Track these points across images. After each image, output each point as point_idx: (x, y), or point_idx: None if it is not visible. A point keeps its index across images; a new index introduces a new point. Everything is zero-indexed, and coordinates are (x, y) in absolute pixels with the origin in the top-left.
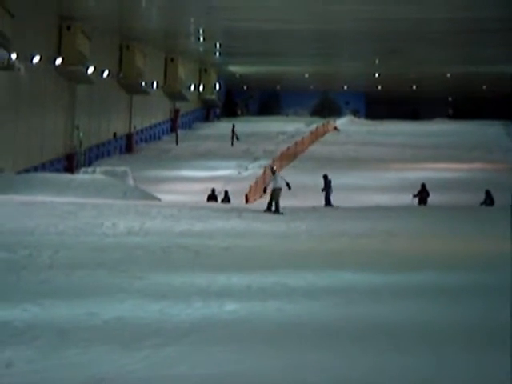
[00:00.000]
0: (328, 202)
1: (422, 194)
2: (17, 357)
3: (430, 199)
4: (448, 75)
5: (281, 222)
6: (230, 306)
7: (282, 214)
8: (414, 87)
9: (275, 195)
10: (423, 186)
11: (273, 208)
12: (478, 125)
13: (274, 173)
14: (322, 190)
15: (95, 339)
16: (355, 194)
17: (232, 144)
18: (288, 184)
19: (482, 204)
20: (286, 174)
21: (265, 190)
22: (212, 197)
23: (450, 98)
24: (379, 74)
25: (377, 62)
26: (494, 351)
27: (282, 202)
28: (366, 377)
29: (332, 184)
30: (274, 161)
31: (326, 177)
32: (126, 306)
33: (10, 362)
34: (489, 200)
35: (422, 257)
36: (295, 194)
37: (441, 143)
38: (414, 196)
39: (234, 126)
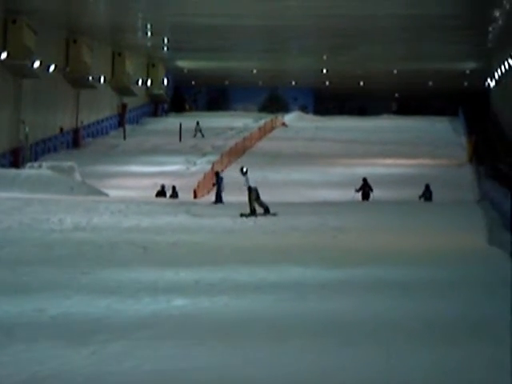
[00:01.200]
0: (219, 199)
1: (365, 189)
2: None
3: (377, 194)
4: (395, 71)
5: (229, 217)
6: (178, 302)
7: (275, 214)
8: (362, 83)
9: (253, 196)
10: (364, 180)
11: (259, 211)
12: (425, 121)
13: (245, 173)
14: (213, 185)
15: (42, 335)
16: (304, 190)
17: (180, 139)
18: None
19: (420, 197)
20: (234, 170)
21: (215, 191)
22: (161, 192)
23: (396, 94)
24: (327, 70)
25: (325, 57)
26: (444, 345)
27: (230, 198)
28: (313, 372)
29: (224, 181)
30: (222, 156)
31: (217, 173)
32: (73, 302)
33: None
34: (428, 193)
35: (370, 251)
36: (243, 189)
37: (388, 139)
38: (357, 191)
39: (198, 123)
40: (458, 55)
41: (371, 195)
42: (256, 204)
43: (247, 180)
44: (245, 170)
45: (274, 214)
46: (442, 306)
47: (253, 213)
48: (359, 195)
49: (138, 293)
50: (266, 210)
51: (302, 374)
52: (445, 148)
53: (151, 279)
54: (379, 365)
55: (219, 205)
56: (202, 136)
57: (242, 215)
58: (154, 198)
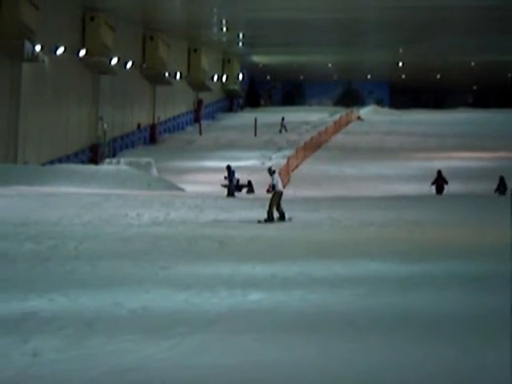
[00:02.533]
0: (231, 193)
1: (439, 182)
2: (44, 346)
3: (453, 188)
4: (472, 63)
5: (305, 212)
6: (255, 296)
7: (290, 219)
8: (438, 76)
9: (275, 199)
10: (439, 172)
11: (265, 216)
12: (503, 113)
13: (273, 173)
14: (225, 178)
15: (121, 329)
16: (379, 183)
17: (255, 134)
18: (274, 187)
19: (496, 190)
20: (310, 164)
21: (268, 191)
22: (236, 187)
23: (474, 87)
24: (403, 63)
25: (400, 50)
26: None
27: (304, 192)
28: (388, 368)
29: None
30: (297, 150)
31: (228, 167)
32: (151, 296)
33: (37, 352)
34: (502, 187)
35: (446, 246)
36: (319, 183)
37: (465, 132)
38: (432, 183)
39: (283, 119)
40: None
41: (445, 188)
42: (274, 209)
43: (276, 182)
44: (273, 169)
45: (290, 219)
46: None
47: (270, 218)
48: (433, 188)
49: (215, 287)
50: (282, 217)
51: (376, 368)
52: None
53: (228, 273)
54: (455, 361)
55: (300, 199)
56: (286, 131)
57: (259, 222)
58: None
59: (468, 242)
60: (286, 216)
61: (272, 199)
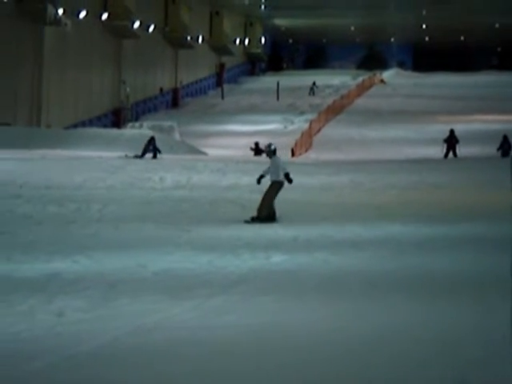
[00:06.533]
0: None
1: (451, 141)
2: (68, 307)
3: (474, 150)
4: (496, 25)
5: (327, 175)
6: (277, 258)
7: (276, 220)
8: (462, 38)
9: (270, 193)
10: (451, 131)
11: (254, 214)
12: None
13: (272, 154)
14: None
15: (145, 290)
16: (401, 147)
17: (278, 98)
18: (288, 175)
19: (498, 149)
20: (332, 128)
21: (259, 182)
22: (257, 150)
23: (498, 49)
24: (426, 26)
25: (424, 12)
26: None
27: (326, 156)
28: (407, 325)
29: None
30: (319, 114)
31: (152, 138)
32: (174, 258)
33: (62, 312)
34: (506, 145)
35: (467, 209)
36: (341, 147)
37: (488, 95)
38: (444, 141)
39: (314, 83)
40: None
41: (457, 147)
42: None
43: (276, 165)
44: (273, 147)
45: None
46: None
47: (267, 217)
48: (445, 147)
49: (238, 249)
50: (272, 216)
51: (393, 327)
52: None
53: (250, 236)
54: (474, 318)
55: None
56: (313, 94)
57: (250, 220)
58: (251, 156)
59: (486, 204)
60: (277, 214)
61: (269, 191)
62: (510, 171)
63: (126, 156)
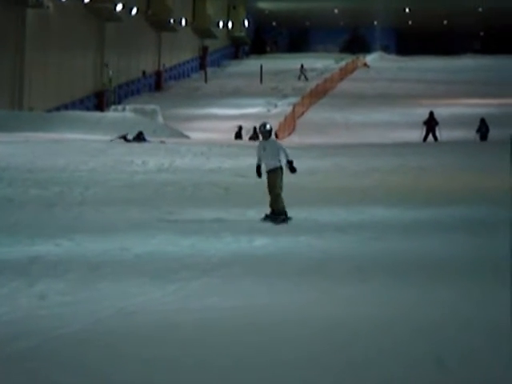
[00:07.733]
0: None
1: (431, 123)
2: (50, 289)
3: (458, 134)
4: (480, 9)
5: (311, 159)
6: (260, 241)
7: (288, 219)
8: (445, 22)
9: (276, 184)
10: (431, 113)
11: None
12: (509, 59)
13: (268, 135)
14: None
15: (127, 273)
16: (385, 130)
17: (261, 82)
18: (292, 163)
19: (477, 132)
20: (316, 112)
21: (259, 174)
22: (238, 134)
23: (481, 33)
24: (410, 9)
25: None
26: None
27: (310, 140)
28: (393, 310)
29: None
30: (303, 98)
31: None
32: (157, 241)
33: (44, 295)
34: (484, 128)
35: (451, 191)
36: (324, 131)
37: (472, 79)
38: (424, 123)
39: (302, 66)
40: None
41: (437, 129)
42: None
43: (276, 148)
44: (268, 127)
45: (287, 219)
46: None
47: (283, 209)
48: (424, 129)
49: (221, 232)
50: (274, 213)
51: (380, 311)
52: None
53: (233, 219)
54: (461, 302)
55: (306, 146)
56: (306, 79)
57: (265, 218)
58: (234, 140)
59: (470, 187)
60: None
61: (272, 179)
62: (490, 155)
63: (111, 141)
